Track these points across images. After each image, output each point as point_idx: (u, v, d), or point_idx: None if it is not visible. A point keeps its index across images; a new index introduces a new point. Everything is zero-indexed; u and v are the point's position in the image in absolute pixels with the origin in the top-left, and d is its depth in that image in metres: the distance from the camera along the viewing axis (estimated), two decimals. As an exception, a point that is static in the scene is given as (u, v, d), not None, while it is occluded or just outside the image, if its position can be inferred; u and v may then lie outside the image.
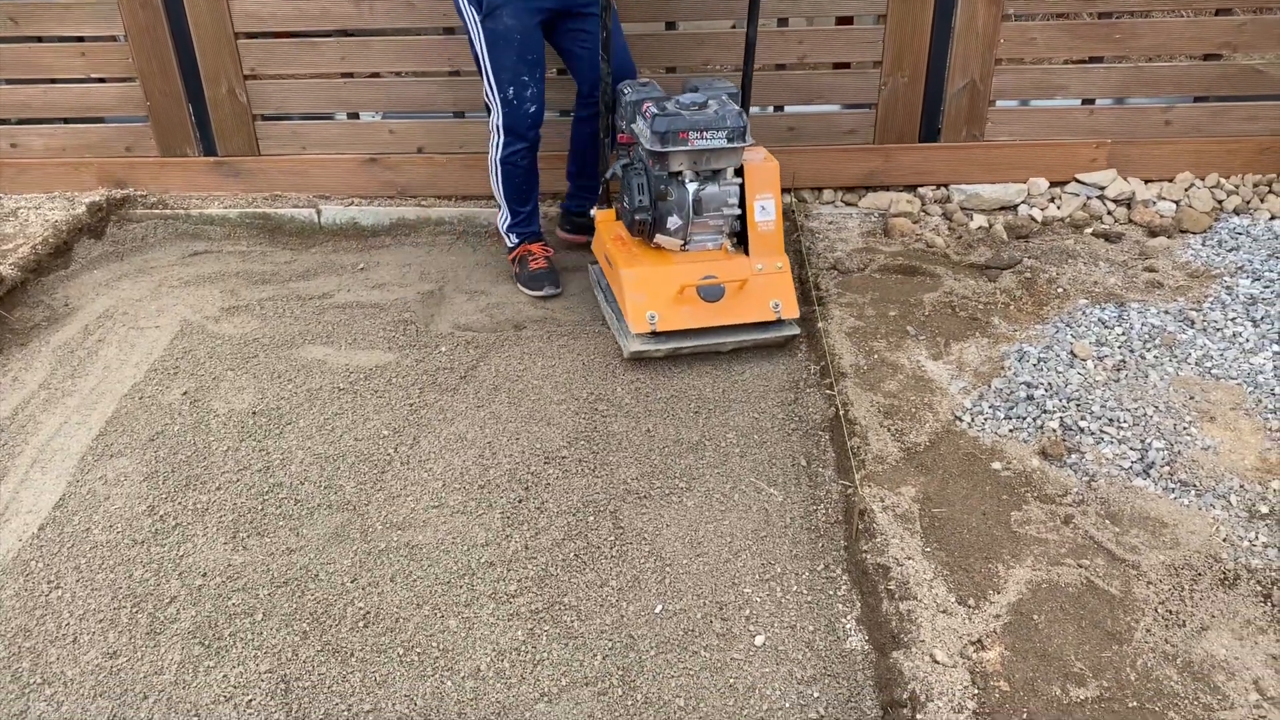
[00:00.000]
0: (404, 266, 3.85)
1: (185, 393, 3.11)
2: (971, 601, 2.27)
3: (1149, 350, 3.02)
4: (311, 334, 3.42)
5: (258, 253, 3.99)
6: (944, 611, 2.23)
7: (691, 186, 3.12)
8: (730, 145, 3.06)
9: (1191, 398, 2.82)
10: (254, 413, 3.01)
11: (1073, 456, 2.66)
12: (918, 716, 2.02)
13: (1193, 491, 2.53)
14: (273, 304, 3.61)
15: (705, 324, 3.16)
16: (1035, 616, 2.23)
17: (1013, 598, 2.28)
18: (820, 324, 3.31)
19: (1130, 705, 2.04)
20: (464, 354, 3.30)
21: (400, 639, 2.31)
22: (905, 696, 2.07)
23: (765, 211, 3.19)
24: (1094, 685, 2.08)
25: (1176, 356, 2.99)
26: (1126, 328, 3.13)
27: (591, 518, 2.64)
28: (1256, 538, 2.41)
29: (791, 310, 3.19)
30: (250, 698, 2.17)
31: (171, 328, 3.47)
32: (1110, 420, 2.75)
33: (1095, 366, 2.96)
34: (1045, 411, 2.80)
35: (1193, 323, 3.14)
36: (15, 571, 2.48)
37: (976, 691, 2.06)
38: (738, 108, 3.13)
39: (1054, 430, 2.73)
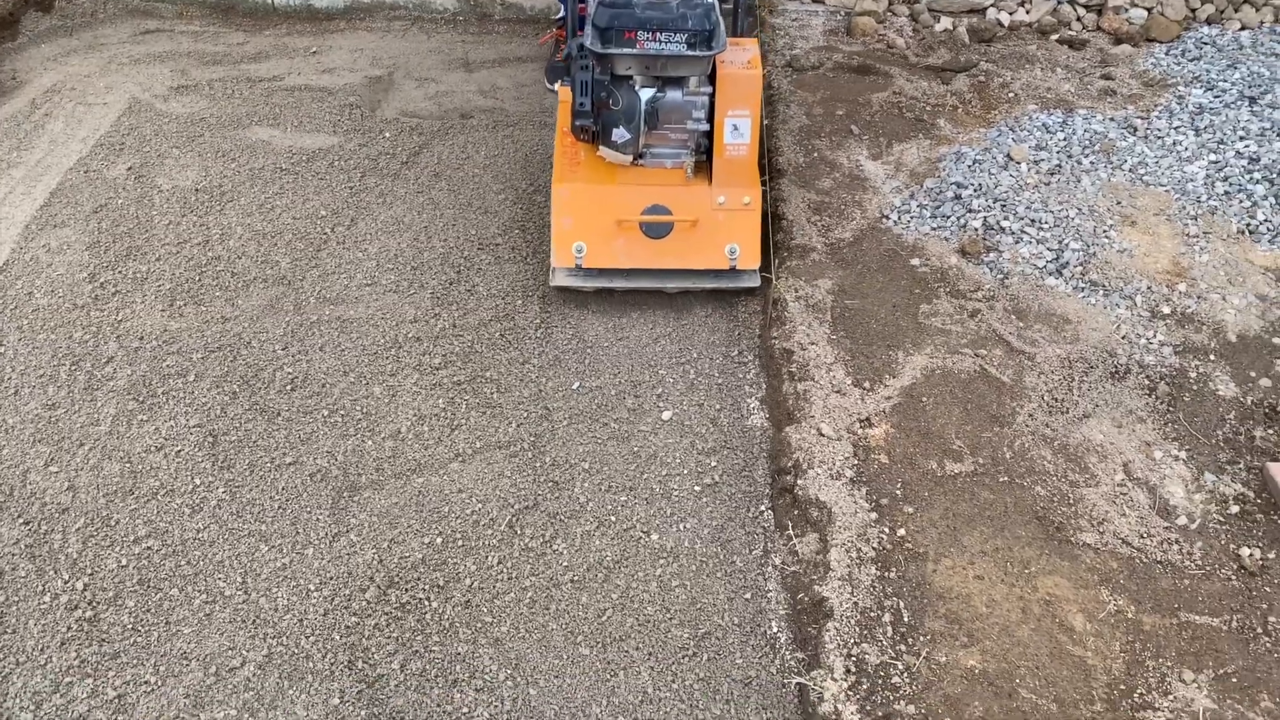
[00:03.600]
0: (356, 51, 3.79)
1: (130, 168, 3.13)
2: (866, 384, 2.38)
3: (1086, 156, 3.03)
4: (259, 115, 3.41)
5: (210, 33, 3.91)
6: (838, 392, 2.35)
7: (645, 94, 2.52)
8: (690, 54, 2.41)
9: (1118, 203, 2.85)
10: (196, 189, 3.05)
11: (990, 255, 2.71)
12: (799, 482, 2.16)
13: (1101, 291, 2.60)
14: (222, 85, 3.57)
15: (643, 265, 2.62)
16: (924, 399, 2.34)
17: (906, 382, 2.38)
18: (766, 122, 3.29)
19: (1001, 480, 2.18)
20: (408, 140, 3.30)
21: (326, 402, 2.43)
22: (789, 464, 2.20)
23: (738, 133, 2.56)
24: (970, 461, 2.21)
25: (1112, 163, 3.00)
26: (1069, 133, 3.12)
27: (520, 301, 2.72)
28: (1154, 336, 2.49)
29: (751, 259, 2.62)
30: (179, 449, 2.31)
31: (119, 105, 3.45)
32: (1032, 221, 2.79)
33: (1029, 170, 2.98)
34: (970, 211, 2.83)
35: (1135, 130, 3.13)
36: (-40, 330, 2.59)
37: (856, 462, 2.19)
38: (711, 2, 2.42)
39: (975, 229, 2.78)
